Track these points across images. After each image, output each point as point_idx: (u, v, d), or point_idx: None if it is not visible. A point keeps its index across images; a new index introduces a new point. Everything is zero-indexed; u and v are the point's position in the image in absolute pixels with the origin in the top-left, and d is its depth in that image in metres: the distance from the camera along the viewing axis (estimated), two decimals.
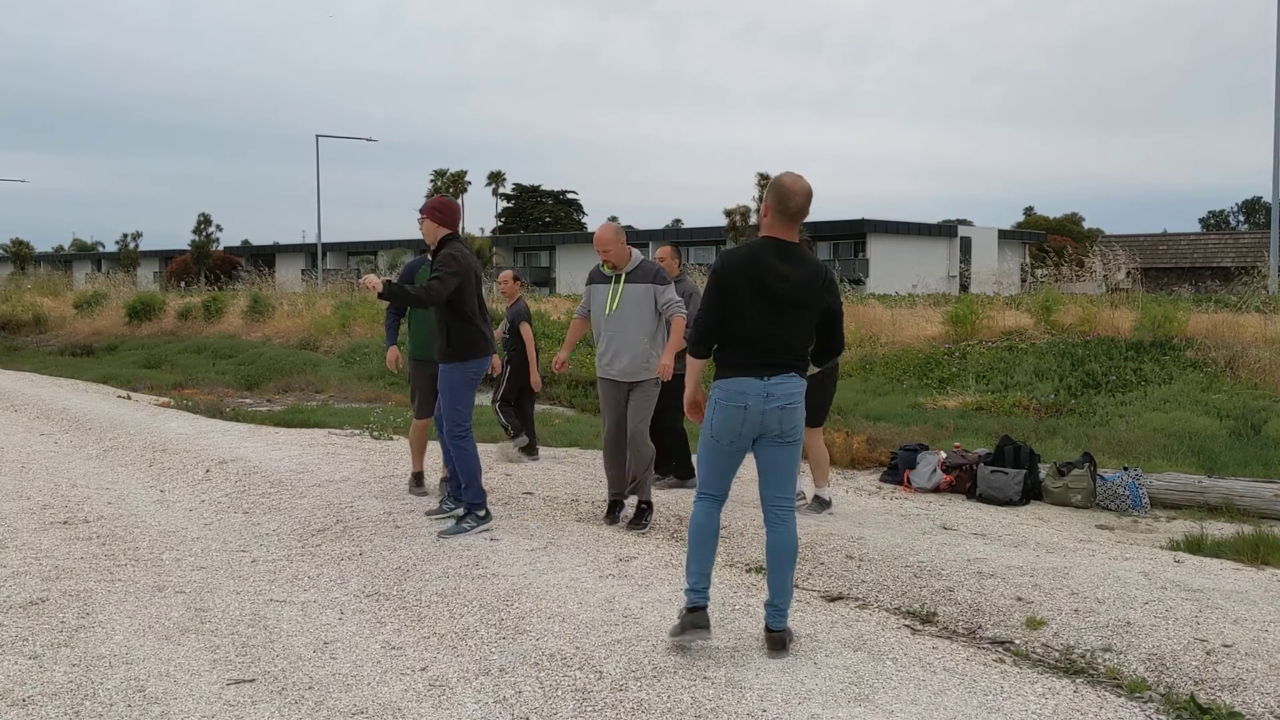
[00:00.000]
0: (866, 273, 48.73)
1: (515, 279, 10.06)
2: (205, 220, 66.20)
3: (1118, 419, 12.00)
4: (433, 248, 6.78)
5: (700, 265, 37.53)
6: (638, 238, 59.27)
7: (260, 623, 5.07)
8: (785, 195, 4.50)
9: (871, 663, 4.54)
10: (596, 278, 7.20)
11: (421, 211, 6.86)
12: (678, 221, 79.55)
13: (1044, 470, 8.62)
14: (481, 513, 6.82)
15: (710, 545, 4.67)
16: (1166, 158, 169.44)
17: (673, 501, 7.75)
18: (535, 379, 9.72)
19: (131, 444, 10.65)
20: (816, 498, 7.56)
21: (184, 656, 4.62)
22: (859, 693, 4.20)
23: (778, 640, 4.58)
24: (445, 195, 6.96)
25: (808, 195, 4.52)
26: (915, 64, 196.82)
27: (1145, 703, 4.17)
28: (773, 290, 4.45)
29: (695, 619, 4.58)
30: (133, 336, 29.52)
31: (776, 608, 4.60)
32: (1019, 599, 5.30)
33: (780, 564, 4.59)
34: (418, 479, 8.11)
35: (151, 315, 31.47)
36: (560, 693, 4.19)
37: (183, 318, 30.69)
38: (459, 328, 6.63)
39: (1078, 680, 4.41)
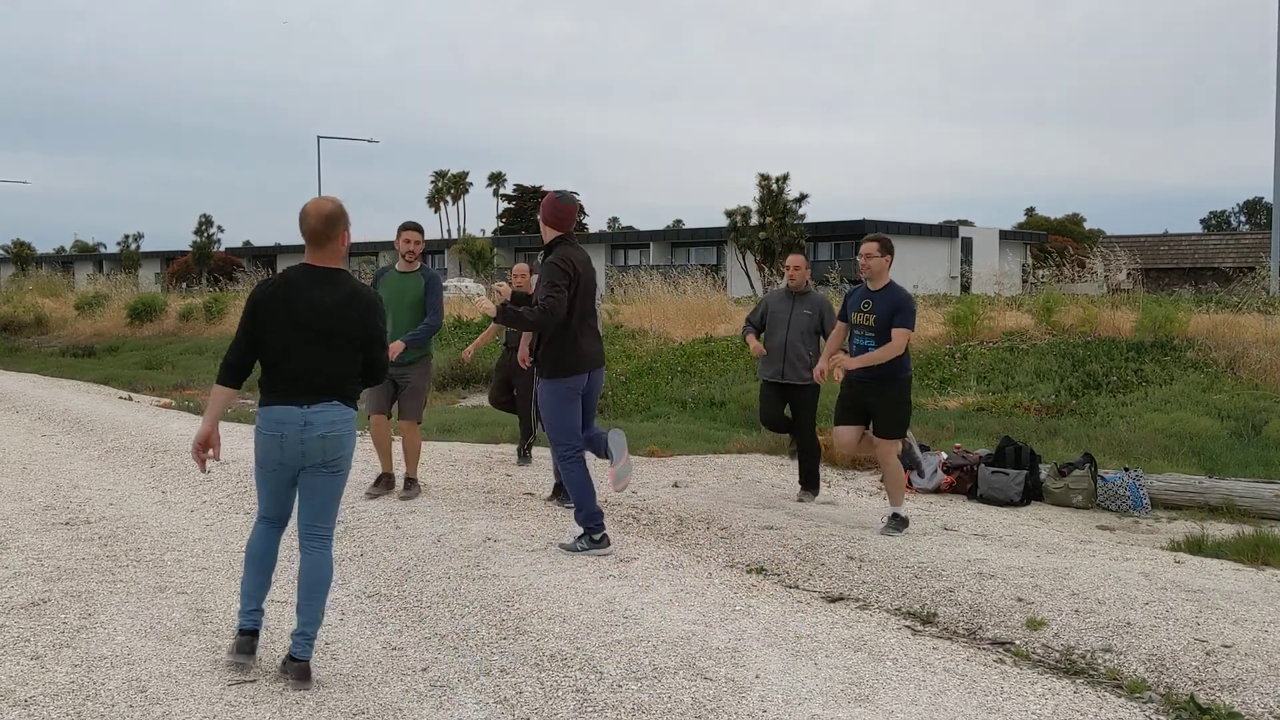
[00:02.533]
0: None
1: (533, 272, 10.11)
2: (206, 221, 66.25)
3: (1118, 420, 11.99)
4: (542, 252, 6.53)
5: (702, 265, 37.51)
6: (638, 238, 59.31)
7: (260, 623, 5.07)
8: (300, 218, 4.37)
9: (872, 663, 4.55)
10: None
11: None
12: (679, 222, 79.60)
13: (1045, 471, 8.63)
14: (597, 536, 6.33)
15: (262, 568, 4.51)
16: (1168, 158, 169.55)
17: (673, 502, 7.75)
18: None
19: (133, 445, 10.66)
20: (895, 515, 6.97)
21: (185, 657, 4.63)
22: (859, 693, 4.21)
23: (300, 670, 4.30)
24: (561, 193, 6.42)
25: (320, 216, 4.33)
26: (917, 64, 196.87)
27: (1145, 703, 4.18)
28: (298, 315, 4.30)
29: (240, 644, 4.43)
30: (134, 337, 29.54)
31: (304, 635, 4.35)
32: (1019, 600, 5.30)
33: (310, 590, 4.37)
34: (382, 482, 8.14)
35: (153, 316, 31.47)
36: (560, 693, 4.20)
37: (184, 319, 30.70)
38: (554, 339, 6.24)
39: (1078, 681, 4.41)
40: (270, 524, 4.53)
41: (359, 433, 11.73)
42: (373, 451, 9.97)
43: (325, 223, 4.36)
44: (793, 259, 8.21)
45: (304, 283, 4.36)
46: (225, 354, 4.42)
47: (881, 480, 7.26)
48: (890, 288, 6.95)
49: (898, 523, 6.91)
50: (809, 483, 8.12)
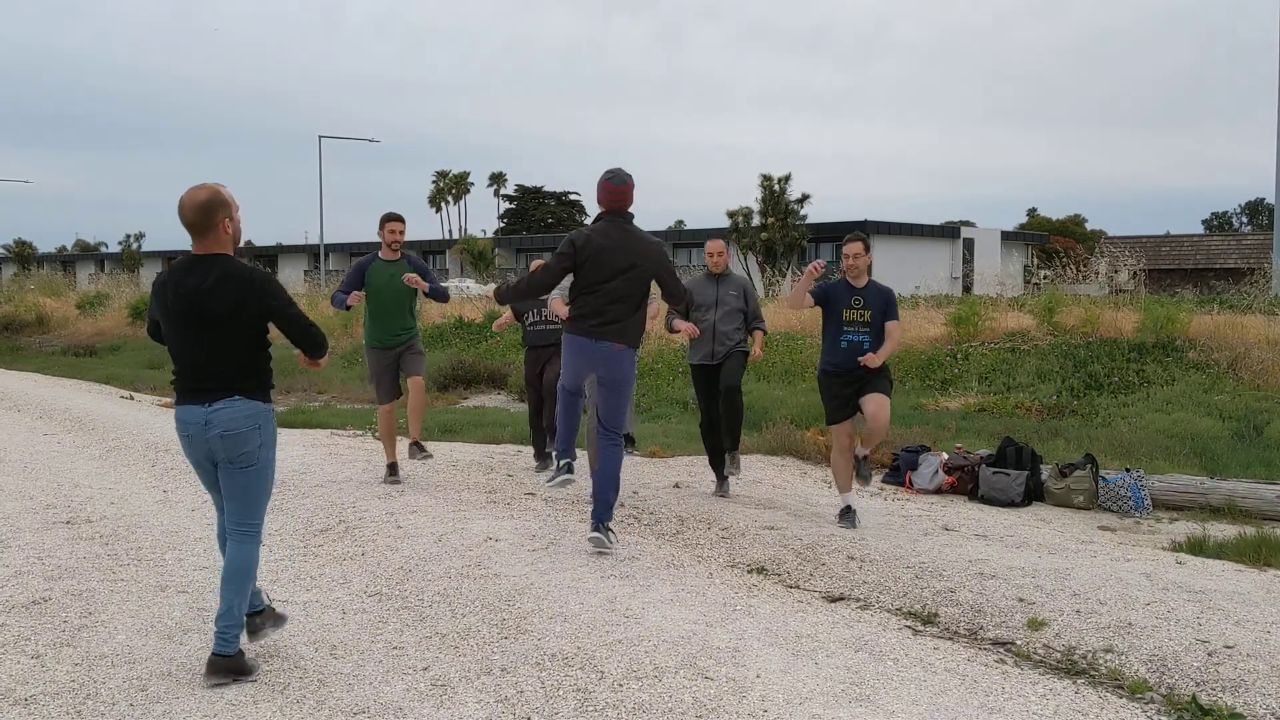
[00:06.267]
0: (870, 273, 48.64)
1: None
2: None
3: (1120, 420, 11.98)
4: None
5: (702, 267, 37.51)
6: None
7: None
8: (177, 210, 4.27)
9: (872, 663, 4.55)
10: None
11: None
12: (680, 223, 79.45)
13: (1046, 471, 8.62)
14: (560, 464, 6.58)
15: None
16: (1170, 159, 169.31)
17: (674, 502, 7.75)
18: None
19: (134, 444, 10.66)
20: (865, 458, 7.27)
21: (186, 656, 4.63)
22: (860, 693, 4.20)
23: (211, 664, 4.27)
24: (611, 172, 6.46)
25: (193, 207, 4.23)
26: (920, 65, 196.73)
27: (1147, 704, 4.17)
28: (175, 309, 4.26)
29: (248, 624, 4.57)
30: (135, 337, 29.48)
31: (219, 629, 4.27)
32: (1020, 600, 5.30)
33: (227, 578, 4.33)
34: (393, 469, 8.55)
35: None
36: (561, 692, 4.20)
37: None
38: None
39: (1079, 681, 4.41)
40: (222, 513, 4.54)
41: (360, 432, 11.74)
42: (370, 453, 9.99)
43: (200, 213, 4.24)
44: (712, 244, 8.29)
45: (179, 271, 4.31)
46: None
47: (861, 440, 7.22)
48: (873, 283, 7.22)
49: (865, 463, 7.24)
50: (733, 443, 8.07)
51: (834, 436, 7.29)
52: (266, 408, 4.38)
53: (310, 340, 4.50)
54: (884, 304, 7.11)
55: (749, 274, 44.32)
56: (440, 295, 8.44)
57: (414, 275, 8.20)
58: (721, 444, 8.15)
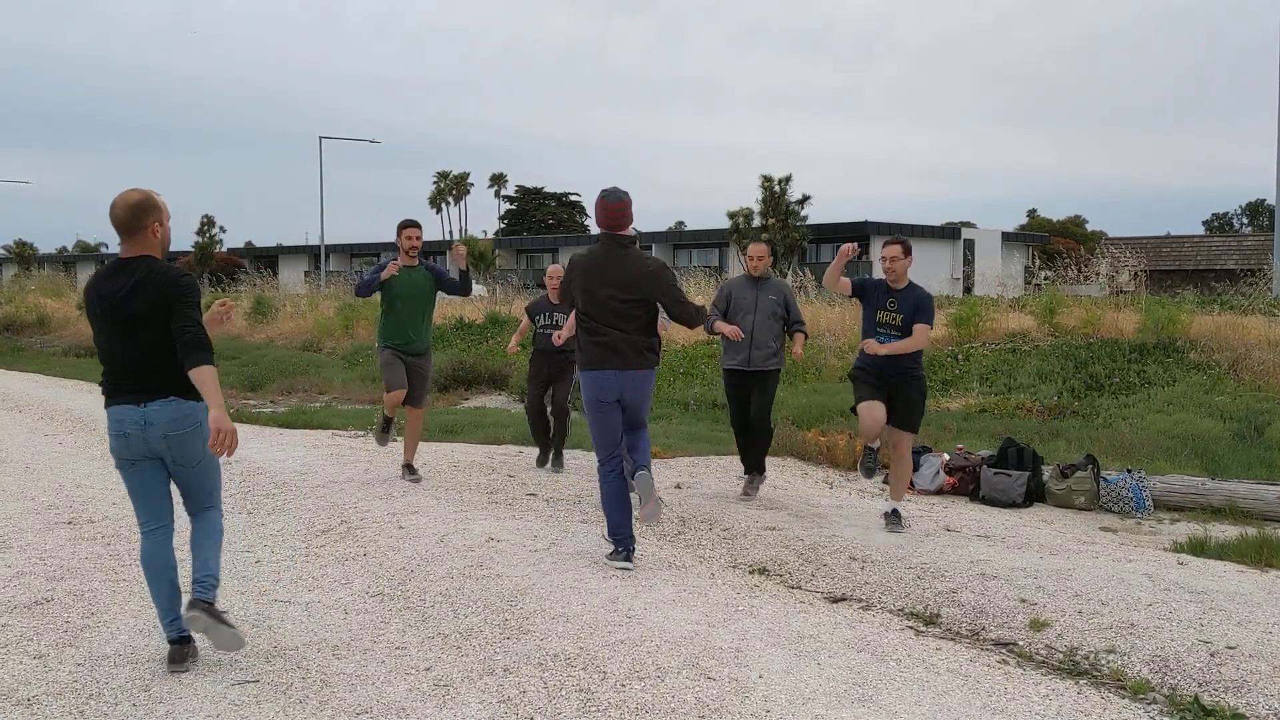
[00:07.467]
0: (870, 274, 48.53)
1: None
2: (208, 222, 66.21)
3: (1121, 421, 11.99)
4: None
5: (706, 267, 37.47)
6: (640, 240, 59.30)
7: (264, 623, 5.08)
8: (109, 210, 4.33)
9: (875, 664, 4.55)
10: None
11: None
12: (680, 224, 79.47)
13: (1047, 472, 8.62)
14: (610, 551, 6.13)
15: (163, 576, 4.46)
16: (1170, 159, 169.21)
17: (675, 504, 7.75)
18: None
19: None
20: (895, 510, 7.09)
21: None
22: (862, 693, 4.21)
23: (195, 605, 4.36)
24: (611, 189, 6.19)
25: (124, 206, 4.30)
26: (920, 66, 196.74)
27: (1149, 704, 4.18)
28: (101, 310, 4.32)
29: (172, 653, 4.45)
30: None
31: (199, 581, 4.40)
32: (1022, 600, 5.30)
33: (197, 544, 4.48)
34: (388, 425, 8.67)
35: None
36: (564, 692, 4.20)
37: None
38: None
39: (1081, 681, 4.41)
40: (153, 532, 4.49)
41: (361, 433, 11.73)
42: (372, 453, 10.00)
43: (130, 213, 4.31)
44: (755, 248, 8.20)
45: (102, 277, 4.38)
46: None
47: (886, 479, 7.27)
48: (912, 287, 7.05)
49: (899, 518, 7.06)
50: (758, 466, 8.10)
51: (860, 418, 6.92)
52: (201, 405, 4.35)
53: (194, 343, 4.25)
54: (914, 308, 6.95)
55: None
56: (464, 289, 8.53)
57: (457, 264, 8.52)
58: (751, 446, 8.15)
